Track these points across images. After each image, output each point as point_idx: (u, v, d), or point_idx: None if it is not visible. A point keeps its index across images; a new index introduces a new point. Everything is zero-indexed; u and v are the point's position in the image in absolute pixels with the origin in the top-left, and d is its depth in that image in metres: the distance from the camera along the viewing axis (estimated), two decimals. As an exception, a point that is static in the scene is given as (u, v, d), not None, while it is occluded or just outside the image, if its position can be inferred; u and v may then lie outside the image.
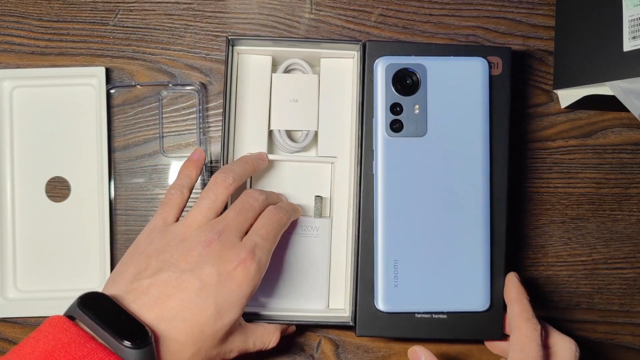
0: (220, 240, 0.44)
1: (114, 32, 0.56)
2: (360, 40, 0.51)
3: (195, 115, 0.56)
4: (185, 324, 0.41)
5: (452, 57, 0.49)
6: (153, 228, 0.46)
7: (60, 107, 0.56)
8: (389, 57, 0.48)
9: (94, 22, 0.56)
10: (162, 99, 0.56)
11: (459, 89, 0.48)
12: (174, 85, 0.56)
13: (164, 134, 0.56)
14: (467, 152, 0.48)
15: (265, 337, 0.49)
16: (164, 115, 0.56)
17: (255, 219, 0.47)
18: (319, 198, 0.54)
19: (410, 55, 0.49)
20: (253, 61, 0.54)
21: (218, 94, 0.57)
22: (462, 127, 0.48)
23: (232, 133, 0.52)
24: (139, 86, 0.56)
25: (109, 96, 0.56)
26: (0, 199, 0.55)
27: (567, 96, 0.56)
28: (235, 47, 0.52)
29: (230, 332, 0.44)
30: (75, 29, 0.56)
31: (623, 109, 0.49)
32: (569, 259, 0.58)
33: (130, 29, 0.57)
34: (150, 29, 0.57)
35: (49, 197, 0.56)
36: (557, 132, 0.58)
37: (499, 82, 0.50)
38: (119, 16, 0.57)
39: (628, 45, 0.48)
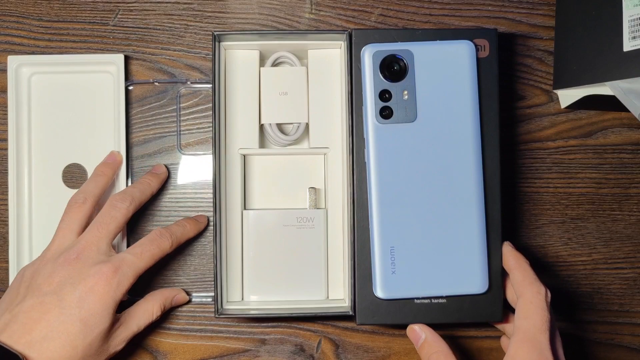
0: (79, 260, 0.47)
1: (114, 32, 0.56)
2: (346, 30, 0.51)
3: (211, 113, 0.56)
4: (55, 343, 0.44)
5: (438, 42, 0.49)
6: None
7: (78, 94, 0.56)
8: (376, 45, 0.48)
9: (94, 22, 0.56)
10: (180, 96, 0.56)
11: (447, 72, 0.48)
12: (192, 82, 0.56)
13: (181, 131, 0.56)
14: (458, 135, 0.48)
15: (147, 314, 0.51)
16: (181, 113, 0.56)
17: (120, 228, 0.50)
18: (312, 190, 0.54)
19: (397, 42, 0.49)
20: (240, 56, 0.54)
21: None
22: (452, 110, 0.48)
23: (222, 129, 0.52)
24: (156, 83, 0.56)
25: (126, 92, 0.56)
26: (18, 184, 0.55)
27: (567, 96, 0.56)
28: (221, 43, 0.52)
29: (107, 335, 0.47)
30: (75, 29, 0.56)
31: (623, 109, 0.49)
32: (569, 259, 0.58)
33: (130, 29, 0.57)
34: (150, 29, 0.57)
35: (66, 183, 0.56)
36: (557, 132, 0.58)
37: (487, 64, 0.50)
38: (119, 16, 0.57)
39: (628, 45, 0.48)
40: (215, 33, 0.50)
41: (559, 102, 0.57)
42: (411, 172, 0.48)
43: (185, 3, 0.57)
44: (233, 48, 0.54)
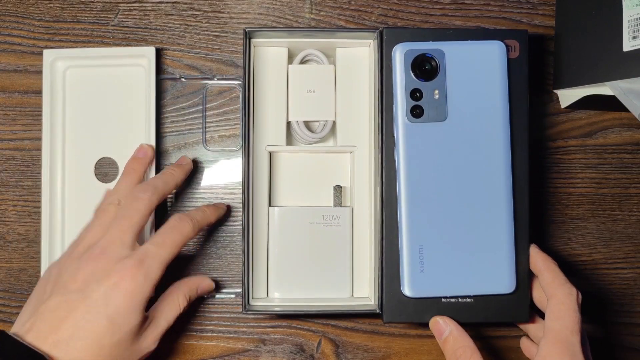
0: (104, 255, 0.45)
1: (113, 32, 0.56)
2: (377, 29, 0.51)
3: (233, 108, 0.56)
4: (82, 342, 0.43)
5: (469, 42, 0.49)
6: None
7: (111, 87, 0.56)
8: (407, 44, 0.48)
9: (94, 22, 0.56)
10: (206, 93, 0.56)
11: (478, 72, 0.48)
12: (218, 79, 0.56)
13: (207, 128, 0.57)
14: (487, 135, 0.48)
15: (173, 306, 0.49)
16: (207, 106, 0.56)
17: (145, 219, 0.47)
18: (338, 187, 0.54)
19: (428, 41, 0.49)
20: (269, 53, 0.54)
21: (218, 94, 0.57)
22: (482, 110, 0.48)
23: (250, 126, 0.52)
24: (183, 79, 0.56)
25: (157, 86, 0.55)
26: (51, 178, 0.55)
27: (567, 96, 0.56)
28: (251, 40, 0.52)
29: (137, 334, 0.46)
30: (75, 29, 0.56)
31: (623, 109, 0.49)
32: (569, 259, 0.58)
33: (130, 29, 0.57)
34: (150, 29, 0.57)
35: (98, 177, 0.56)
36: (557, 132, 0.58)
37: (517, 65, 0.49)
38: (118, 16, 0.57)
39: (628, 45, 0.48)
40: (247, 30, 0.50)
41: (559, 102, 0.57)
42: (441, 171, 0.48)
43: (185, 3, 0.57)
44: (262, 45, 0.54)
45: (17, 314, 0.56)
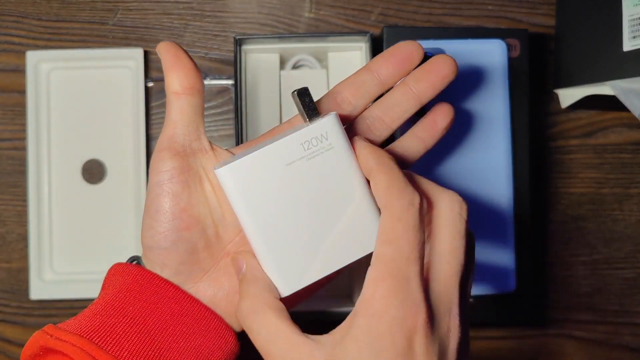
0: None
1: (113, 32, 0.56)
2: (368, 32, 0.51)
3: (232, 108, 0.56)
4: None
5: (470, 40, 0.49)
6: None
7: (97, 89, 0.56)
8: None
9: (93, 22, 0.56)
10: None
11: (479, 71, 0.48)
12: (211, 79, 0.56)
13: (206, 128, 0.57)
14: (488, 134, 0.48)
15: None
16: (205, 106, 0.56)
17: None
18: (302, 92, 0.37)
19: (429, 39, 0.49)
20: (260, 59, 0.54)
21: (217, 94, 0.57)
22: (484, 109, 0.48)
23: (245, 132, 0.52)
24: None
25: (145, 89, 0.56)
26: (38, 180, 0.55)
27: (567, 96, 0.55)
28: (242, 47, 0.52)
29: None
30: (75, 29, 0.56)
31: (623, 108, 0.49)
32: (569, 259, 0.58)
33: (130, 28, 0.57)
34: (149, 28, 0.57)
35: (85, 179, 0.56)
36: (557, 132, 0.58)
37: (518, 64, 0.49)
38: (118, 16, 0.57)
39: (628, 45, 0.48)
40: (237, 38, 0.50)
41: (559, 102, 0.57)
42: (441, 170, 0.48)
43: (184, 2, 0.57)
44: (253, 52, 0.53)
45: (17, 314, 0.56)
